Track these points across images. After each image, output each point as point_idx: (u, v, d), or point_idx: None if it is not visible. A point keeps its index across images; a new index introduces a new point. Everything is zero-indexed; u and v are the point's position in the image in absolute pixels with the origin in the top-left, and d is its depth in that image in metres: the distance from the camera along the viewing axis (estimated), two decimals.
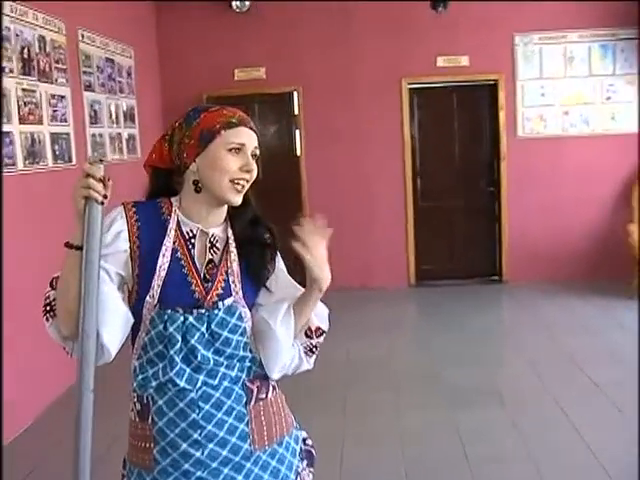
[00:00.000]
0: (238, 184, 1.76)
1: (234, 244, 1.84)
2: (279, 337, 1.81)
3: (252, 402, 1.83)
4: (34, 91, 4.90)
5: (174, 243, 1.78)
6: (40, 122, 4.98)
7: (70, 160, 5.44)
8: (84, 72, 5.79)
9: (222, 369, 1.78)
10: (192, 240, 1.80)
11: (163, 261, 1.75)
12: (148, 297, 1.73)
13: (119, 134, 6.51)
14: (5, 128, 4.51)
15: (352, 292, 7.53)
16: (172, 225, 1.79)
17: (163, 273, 1.74)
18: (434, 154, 7.90)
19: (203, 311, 1.74)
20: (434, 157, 7.90)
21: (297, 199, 7.93)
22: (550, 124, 7.69)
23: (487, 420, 4.30)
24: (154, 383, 1.75)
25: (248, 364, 1.83)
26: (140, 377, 1.77)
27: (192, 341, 1.72)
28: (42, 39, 5.04)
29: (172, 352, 1.72)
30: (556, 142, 7.67)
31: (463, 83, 7.74)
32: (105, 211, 1.67)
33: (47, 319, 1.74)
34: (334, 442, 4.09)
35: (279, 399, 1.93)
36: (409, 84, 7.73)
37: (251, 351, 1.84)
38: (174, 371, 1.72)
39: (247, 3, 7.46)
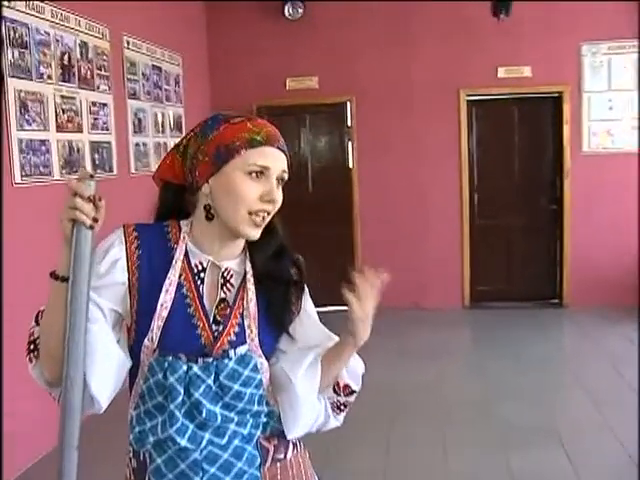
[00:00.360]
0: (257, 216, 1.47)
1: (252, 280, 1.55)
2: (299, 393, 1.54)
3: (268, 463, 1.56)
4: (74, 98, 4.74)
5: (180, 277, 1.50)
6: (79, 130, 4.82)
7: (111, 170, 5.27)
8: (129, 79, 5.63)
9: (232, 426, 1.50)
10: (201, 274, 1.53)
11: (166, 298, 1.47)
12: (146, 340, 1.46)
13: (165, 143, 6.34)
14: (41, 136, 4.36)
15: (403, 312, 7.19)
16: (179, 255, 1.51)
17: (165, 312, 1.47)
18: (493, 169, 7.51)
19: (210, 360, 1.46)
20: (492, 172, 7.51)
21: (348, 213, 7.65)
22: (618, 139, 7.20)
23: (543, 462, 3.91)
24: (152, 439, 1.48)
25: (264, 419, 1.56)
26: (137, 430, 1.51)
27: (196, 394, 1.45)
28: (84, 45, 4.89)
29: (172, 406, 1.45)
30: (624, 158, 7.18)
31: (525, 95, 7.32)
32: (97, 237, 1.41)
33: (30, 360, 1.48)
34: (375, 476, 3.80)
35: (301, 459, 1.64)
36: (467, 96, 7.37)
37: (268, 404, 1.55)
38: (175, 428, 1.45)
39: (300, 10, 7.23)
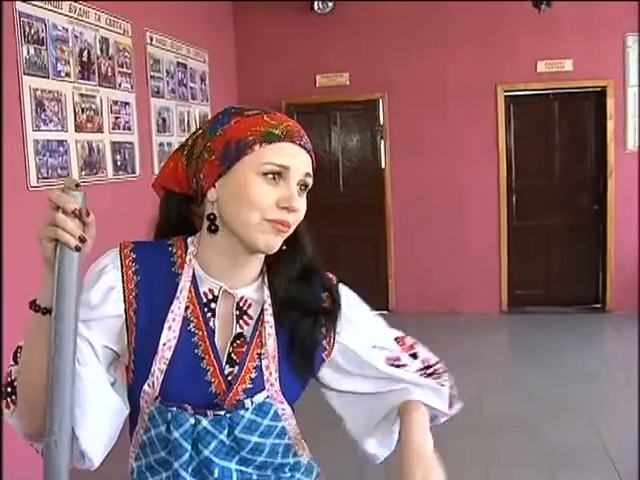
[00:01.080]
0: (277, 223, 1.20)
1: (270, 311, 1.27)
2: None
3: None
4: (94, 96, 4.54)
5: (186, 310, 1.23)
6: (100, 130, 4.62)
7: (133, 171, 5.06)
8: (152, 77, 5.42)
9: None
10: (212, 305, 1.26)
11: (169, 336, 1.21)
12: (146, 385, 1.20)
13: None
14: (59, 137, 4.16)
15: (438, 317, 6.94)
16: (184, 283, 1.24)
17: (168, 354, 1.20)
18: (532, 168, 7.16)
19: (222, 413, 1.20)
20: (531, 171, 7.17)
21: (381, 215, 7.38)
22: None
23: None
24: None
25: (288, 474, 1.29)
26: None
27: (206, 452, 1.19)
28: (104, 41, 4.68)
29: (177, 465, 1.19)
30: None
31: (566, 90, 6.97)
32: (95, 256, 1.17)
33: (7, 405, 1.22)
34: None
35: None
36: (505, 91, 7.04)
37: (296, 454, 1.29)
38: None
39: (330, 4, 6.96)
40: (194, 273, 1.26)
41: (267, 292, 1.28)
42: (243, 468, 1.23)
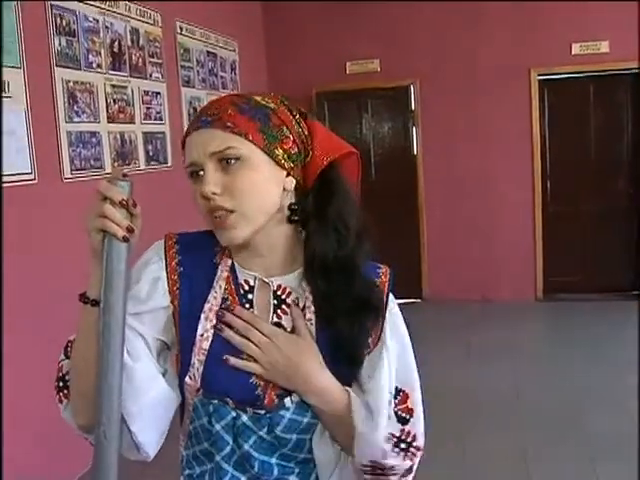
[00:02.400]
0: (213, 219, 1.16)
1: (312, 308, 1.22)
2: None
3: None
4: (125, 87, 4.54)
5: (225, 301, 1.21)
6: (132, 121, 4.62)
7: (165, 161, 5.07)
8: (182, 67, 5.41)
9: (293, 477, 1.22)
10: (249, 296, 1.22)
11: (206, 327, 1.19)
12: (187, 378, 1.19)
13: None
14: (91, 128, 4.17)
15: (472, 305, 6.86)
16: (221, 273, 1.22)
17: (206, 344, 1.19)
18: (566, 153, 7.03)
19: (262, 412, 1.17)
20: (566, 156, 7.03)
21: (413, 202, 7.32)
22: None
23: (635, 477, 3.53)
24: None
25: None
26: (187, 472, 1.25)
27: (245, 446, 1.17)
28: (135, 31, 4.68)
29: (219, 457, 1.18)
30: None
31: (602, 73, 6.81)
32: (137, 248, 1.14)
33: (60, 400, 1.22)
34: None
35: None
36: (539, 75, 6.90)
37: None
38: None
39: None
40: (233, 263, 1.24)
41: (308, 288, 1.23)
42: (284, 463, 1.21)
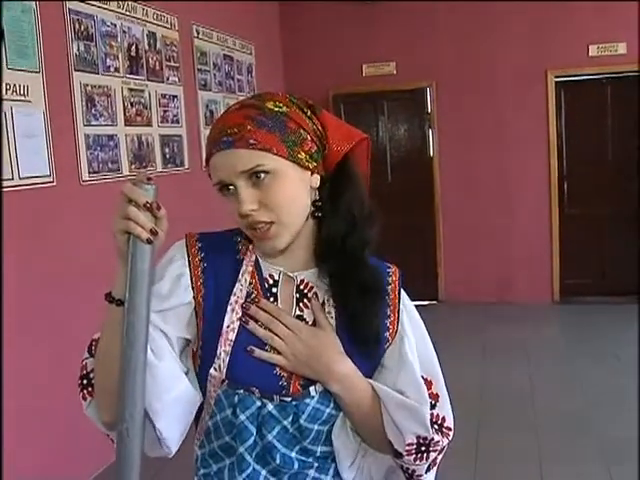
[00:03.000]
0: (253, 232, 1.22)
1: (332, 302, 1.27)
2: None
3: None
4: (142, 91, 4.59)
5: (250, 294, 1.25)
6: (149, 124, 4.67)
7: (182, 164, 5.11)
8: (199, 70, 5.46)
9: (312, 472, 1.25)
10: (273, 289, 1.27)
11: (232, 318, 1.23)
12: (212, 369, 1.22)
13: None
14: (109, 131, 4.22)
15: (488, 307, 6.85)
16: (246, 267, 1.27)
17: (232, 335, 1.22)
18: (584, 155, 7.00)
19: (288, 400, 1.20)
20: (583, 158, 7.01)
21: (429, 204, 7.32)
22: None
23: None
24: None
25: None
26: (202, 472, 1.27)
27: (269, 437, 1.20)
28: (152, 35, 4.73)
29: (242, 449, 1.20)
30: None
31: (619, 75, 6.77)
32: (161, 248, 1.17)
33: (84, 397, 1.26)
34: None
35: None
36: (556, 77, 6.89)
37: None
38: (245, 474, 1.21)
39: None
40: (257, 259, 1.28)
41: (327, 280, 1.27)
42: (303, 458, 1.23)
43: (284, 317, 1.24)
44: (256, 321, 1.24)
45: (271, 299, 1.26)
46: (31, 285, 3.45)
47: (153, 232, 1.10)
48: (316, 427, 1.22)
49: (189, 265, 1.25)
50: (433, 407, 1.26)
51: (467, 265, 7.20)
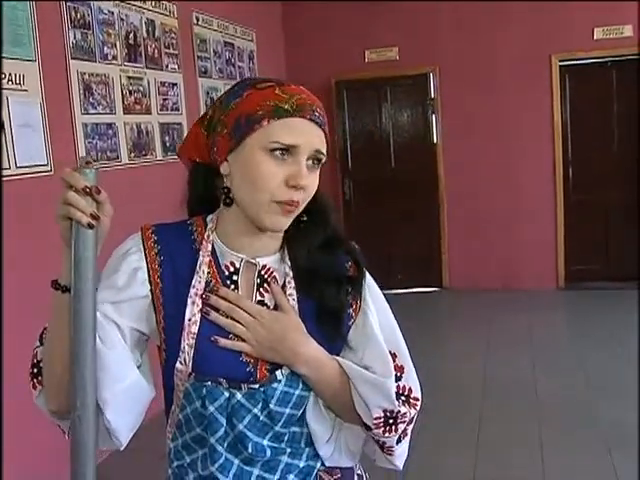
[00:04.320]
0: (285, 204, 1.19)
1: (293, 284, 1.27)
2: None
3: None
4: (141, 79, 4.57)
5: (208, 284, 1.24)
6: (148, 112, 4.65)
7: None
8: (199, 57, 5.42)
9: (285, 458, 1.24)
10: (234, 277, 1.26)
11: (194, 311, 1.22)
12: (178, 363, 1.21)
13: None
14: (108, 119, 4.20)
15: (492, 294, 6.83)
16: (203, 258, 1.25)
17: (194, 328, 1.21)
18: (589, 140, 6.94)
19: (256, 386, 1.20)
20: (588, 144, 6.94)
21: (433, 190, 7.28)
22: None
23: None
24: (192, 476, 1.24)
25: None
26: (175, 464, 1.27)
27: (240, 426, 1.19)
28: (151, 23, 4.70)
29: (213, 440, 1.19)
30: None
31: (625, 58, 6.68)
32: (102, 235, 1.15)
33: (34, 386, 1.25)
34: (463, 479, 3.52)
35: None
36: (560, 61, 6.82)
37: None
38: (217, 464, 1.20)
39: None
40: (214, 248, 1.27)
41: (288, 264, 1.28)
42: (276, 445, 1.23)
43: (244, 303, 1.23)
44: (217, 310, 1.23)
45: (231, 287, 1.25)
46: (28, 275, 3.45)
47: (94, 216, 1.10)
48: (287, 411, 1.22)
49: (145, 259, 1.24)
50: (399, 379, 1.26)
51: (471, 251, 7.16)
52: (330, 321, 1.26)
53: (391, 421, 1.24)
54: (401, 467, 1.32)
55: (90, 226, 1.09)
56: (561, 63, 6.82)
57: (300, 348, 1.22)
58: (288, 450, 1.24)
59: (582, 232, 7.00)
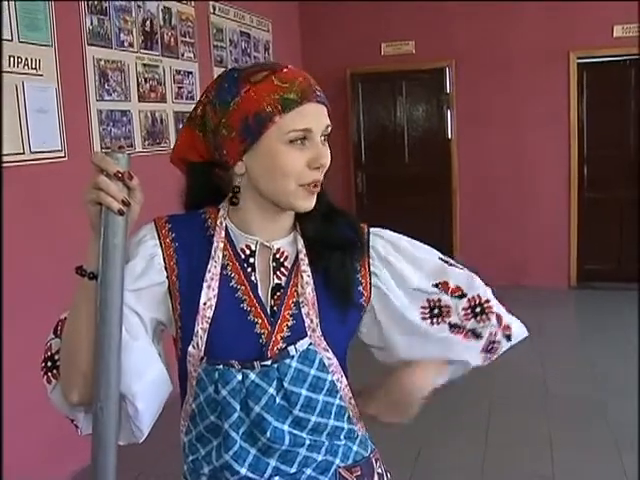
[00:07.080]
0: (310, 187, 1.20)
1: (306, 261, 1.26)
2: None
3: None
4: (157, 66, 4.56)
5: (226, 267, 1.23)
6: (163, 100, 4.64)
7: None
8: (215, 46, 5.41)
9: (303, 450, 1.21)
10: (250, 260, 1.25)
11: (209, 295, 1.20)
12: (191, 347, 1.19)
13: None
14: (122, 106, 4.20)
15: (503, 291, 6.54)
16: (218, 243, 1.24)
17: (209, 312, 1.19)
18: (605, 138, 6.87)
19: (269, 363, 1.18)
20: (604, 142, 6.87)
21: (447, 186, 7.24)
22: None
23: None
24: (207, 469, 1.22)
25: (342, 441, 1.27)
26: (190, 459, 1.25)
27: (257, 408, 1.17)
28: (167, 11, 4.68)
29: (227, 425, 1.17)
30: None
31: None
32: (133, 226, 1.14)
33: (48, 380, 1.22)
34: (471, 474, 3.49)
35: None
36: (579, 58, 6.75)
37: (350, 420, 1.27)
38: (232, 452, 1.18)
39: None
40: (228, 233, 1.26)
41: (301, 242, 1.28)
42: (296, 431, 1.20)
43: None
44: (235, 292, 1.24)
45: (249, 269, 1.24)
46: (43, 261, 3.45)
47: (125, 202, 1.08)
48: (304, 392, 1.20)
49: (161, 246, 1.23)
50: (463, 296, 1.35)
51: (484, 248, 7.12)
52: (339, 287, 1.26)
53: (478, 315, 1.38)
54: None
55: (121, 212, 1.08)
56: (579, 60, 6.75)
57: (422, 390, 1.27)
58: (307, 442, 1.22)
59: (596, 231, 6.94)
